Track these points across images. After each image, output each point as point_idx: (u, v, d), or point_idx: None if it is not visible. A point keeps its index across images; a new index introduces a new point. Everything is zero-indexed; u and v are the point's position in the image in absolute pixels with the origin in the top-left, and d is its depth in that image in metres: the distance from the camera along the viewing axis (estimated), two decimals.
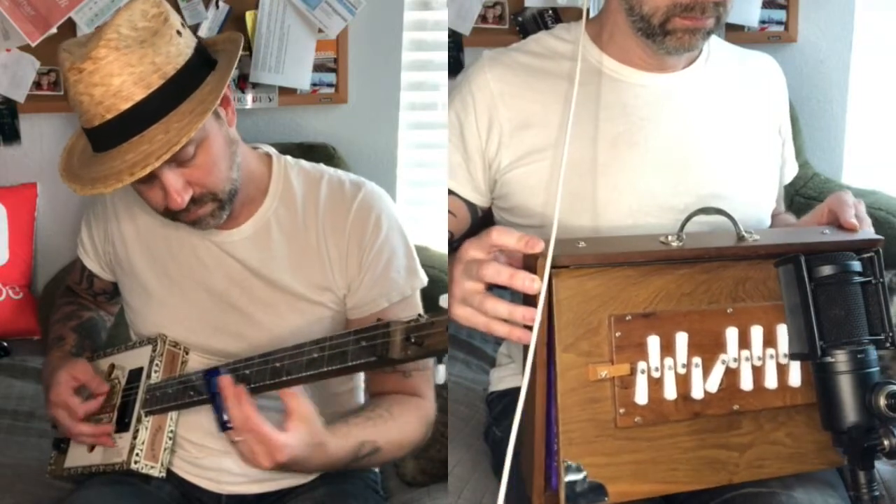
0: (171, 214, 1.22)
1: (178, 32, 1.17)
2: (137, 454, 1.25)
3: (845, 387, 1.02)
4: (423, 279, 1.34)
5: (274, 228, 1.30)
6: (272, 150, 1.36)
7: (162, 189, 1.17)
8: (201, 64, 1.19)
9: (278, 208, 1.31)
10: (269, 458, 1.08)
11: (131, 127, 1.13)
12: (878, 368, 1.03)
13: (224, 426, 1.12)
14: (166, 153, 1.11)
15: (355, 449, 1.17)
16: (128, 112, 1.12)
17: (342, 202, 1.30)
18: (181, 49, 1.16)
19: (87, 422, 1.32)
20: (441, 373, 1.01)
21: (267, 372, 1.13)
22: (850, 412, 1.02)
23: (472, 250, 1.03)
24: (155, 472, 1.27)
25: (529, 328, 0.99)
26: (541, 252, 0.98)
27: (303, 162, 1.36)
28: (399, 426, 1.23)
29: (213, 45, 1.27)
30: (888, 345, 1.04)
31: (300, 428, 1.09)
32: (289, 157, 1.36)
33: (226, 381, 1.12)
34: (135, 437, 1.26)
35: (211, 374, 1.15)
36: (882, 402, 0.99)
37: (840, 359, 1.02)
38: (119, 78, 1.11)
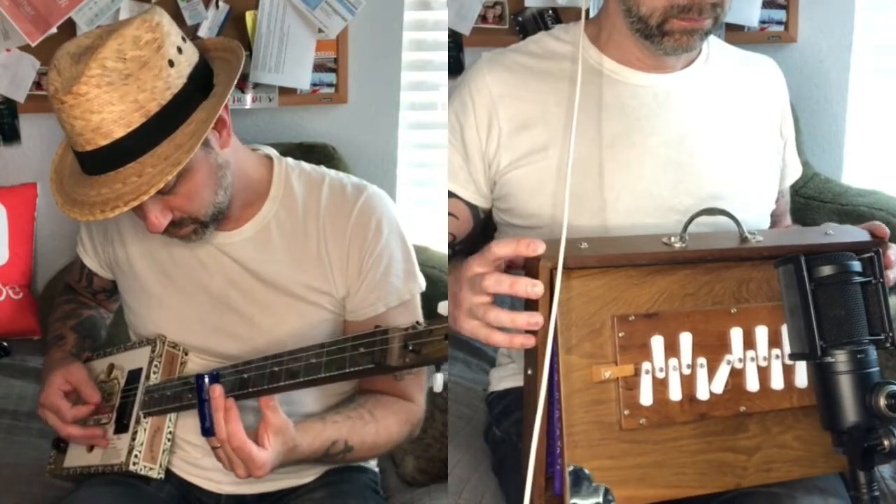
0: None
1: (171, 62, 1.13)
2: (136, 455, 1.25)
3: (845, 387, 1.02)
4: (422, 284, 1.33)
5: (274, 231, 1.30)
6: (273, 153, 1.36)
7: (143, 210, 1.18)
8: (194, 91, 1.16)
9: (279, 211, 1.31)
10: (246, 472, 1.13)
11: (107, 163, 1.13)
12: (878, 368, 1.03)
13: (206, 431, 1.15)
14: (134, 200, 1.11)
15: (326, 447, 1.21)
16: (105, 148, 1.12)
17: (343, 206, 1.30)
18: (170, 82, 1.12)
19: (78, 424, 1.32)
20: (439, 381, 1.00)
21: (265, 376, 1.13)
22: (850, 412, 1.02)
23: (475, 266, 1.03)
24: (153, 474, 1.27)
25: (530, 332, 0.99)
26: (542, 253, 0.98)
27: (304, 164, 1.36)
28: (377, 429, 1.26)
29: (210, 51, 1.25)
30: (888, 345, 1.04)
31: (276, 441, 1.13)
32: (290, 160, 1.35)
33: (217, 391, 1.14)
34: (133, 439, 1.26)
35: (203, 378, 1.16)
36: (882, 402, 1.00)
37: (840, 359, 1.02)
38: (99, 115, 1.09)
